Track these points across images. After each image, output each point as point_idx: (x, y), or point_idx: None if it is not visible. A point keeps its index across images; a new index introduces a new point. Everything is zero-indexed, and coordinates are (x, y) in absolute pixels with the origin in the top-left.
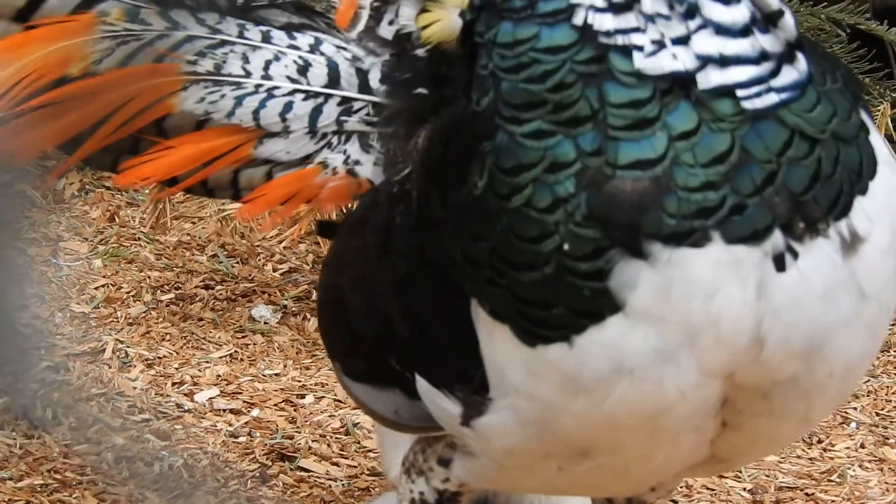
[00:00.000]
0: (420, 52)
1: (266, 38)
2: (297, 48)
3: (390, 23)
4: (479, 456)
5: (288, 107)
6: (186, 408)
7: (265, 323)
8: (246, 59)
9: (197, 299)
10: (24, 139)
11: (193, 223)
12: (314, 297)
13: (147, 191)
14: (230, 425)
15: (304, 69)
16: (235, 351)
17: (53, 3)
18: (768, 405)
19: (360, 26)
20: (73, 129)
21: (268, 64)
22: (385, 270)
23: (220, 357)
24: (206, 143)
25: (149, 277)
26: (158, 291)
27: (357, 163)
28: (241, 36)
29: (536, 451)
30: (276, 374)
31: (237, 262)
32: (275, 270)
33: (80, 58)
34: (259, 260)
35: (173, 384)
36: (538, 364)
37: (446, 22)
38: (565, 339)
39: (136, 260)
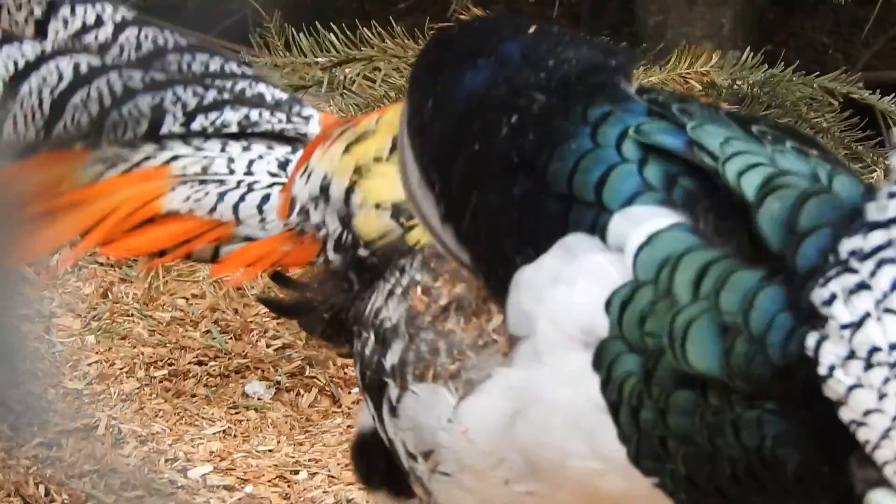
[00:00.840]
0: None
1: (247, 149)
2: (275, 152)
3: None
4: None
5: (265, 199)
6: (180, 484)
7: (258, 399)
8: (231, 160)
9: (190, 375)
10: (26, 244)
11: (187, 299)
12: (308, 372)
13: (140, 263)
14: (224, 501)
15: (284, 164)
16: (229, 427)
17: None
18: None
19: (296, 212)
20: (69, 236)
21: (251, 162)
22: None
23: (214, 433)
24: (191, 221)
25: (142, 353)
26: (152, 367)
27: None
28: (223, 150)
29: (494, 452)
30: (269, 450)
31: (230, 338)
32: (268, 346)
33: (71, 181)
34: (252, 336)
35: (167, 460)
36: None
37: None
38: None
39: (130, 336)
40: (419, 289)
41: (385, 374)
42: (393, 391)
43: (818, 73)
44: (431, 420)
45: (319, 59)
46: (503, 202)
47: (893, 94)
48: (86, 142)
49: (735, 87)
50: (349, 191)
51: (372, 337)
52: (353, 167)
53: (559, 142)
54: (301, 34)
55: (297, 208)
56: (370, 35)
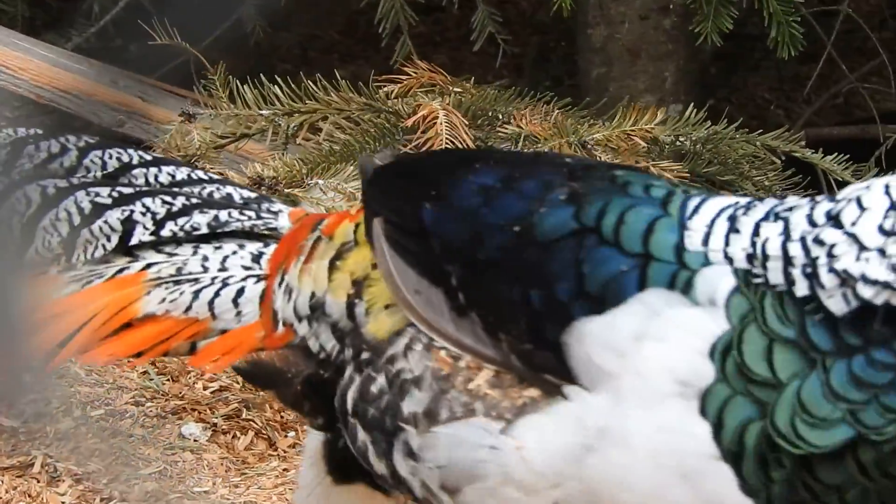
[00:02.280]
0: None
1: (219, 248)
2: (247, 248)
3: None
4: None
5: (240, 292)
6: None
7: (195, 440)
8: (205, 258)
9: (127, 415)
10: (17, 353)
11: None
12: (244, 415)
13: None
14: None
15: (258, 257)
16: (165, 468)
17: None
18: None
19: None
20: (47, 347)
21: (225, 258)
22: None
23: (150, 473)
24: (167, 322)
25: (79, 393)
26: (88, 407)
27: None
28: (195, 254)
29: (550, 475)
30: (205, 492)
31: (167, 380)
32: (205, 388)
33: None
34: (189, 378)
35: (102, 499)
36: None
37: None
38: None
39: (67, 375)
40: (442, 351)
41: (402, 420)
42: (413, 437)
43: (760, 129)
44: (467, 450)
45: (264, 112)
46: (559, 268)
47: (835, 153)
48: (58, 263)
49: (678, 143)
50: (351, 305)
51: (382, 380)
52: (351, 282)
53: (628, 207)
54: (245, 86)
55: (281, 321)
56: (314, 88)
